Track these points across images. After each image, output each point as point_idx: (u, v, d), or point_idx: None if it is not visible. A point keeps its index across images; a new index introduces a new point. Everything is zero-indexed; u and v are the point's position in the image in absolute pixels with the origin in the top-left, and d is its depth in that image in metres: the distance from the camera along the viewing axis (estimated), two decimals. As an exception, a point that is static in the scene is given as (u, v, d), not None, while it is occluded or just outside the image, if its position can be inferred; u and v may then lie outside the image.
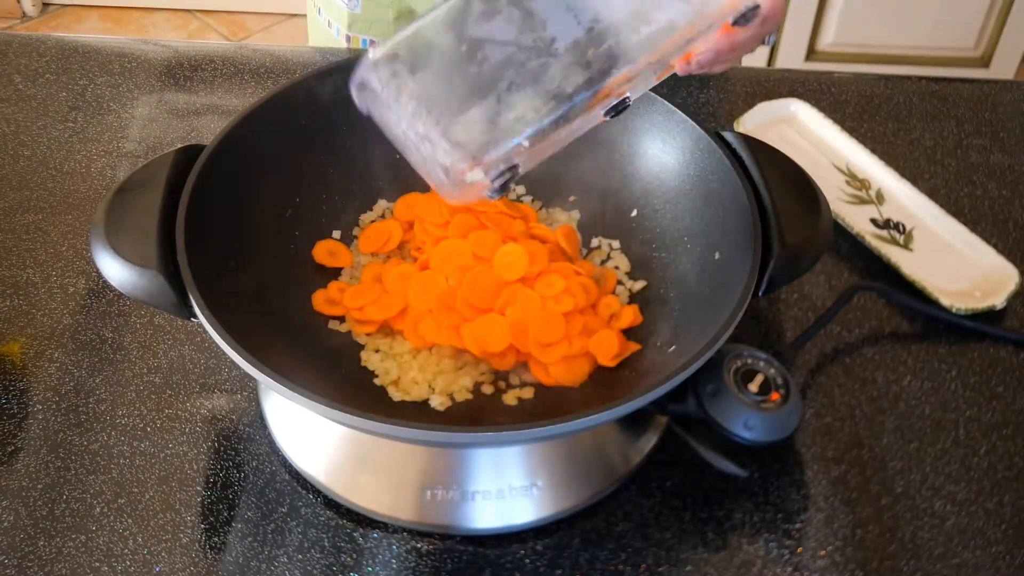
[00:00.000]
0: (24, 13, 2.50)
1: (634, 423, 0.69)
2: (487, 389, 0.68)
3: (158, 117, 0.94)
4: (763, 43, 0.64)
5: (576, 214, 0.78)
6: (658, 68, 0.58)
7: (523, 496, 0.65)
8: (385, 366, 0.69)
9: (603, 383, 0.67)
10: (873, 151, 0.90)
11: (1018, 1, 1.98)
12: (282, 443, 0.69)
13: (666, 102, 0.73)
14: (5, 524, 0.64)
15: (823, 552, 0.65)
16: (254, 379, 0.65)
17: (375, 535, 0.65)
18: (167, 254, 0.61)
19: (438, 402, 0.66)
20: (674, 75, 0.60)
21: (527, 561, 0.64)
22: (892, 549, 0.65)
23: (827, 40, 2.07)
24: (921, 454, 0.70)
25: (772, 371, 0.66)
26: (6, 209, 0.85)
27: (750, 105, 0.94)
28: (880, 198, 0.87)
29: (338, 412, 0.55)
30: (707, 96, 0.98)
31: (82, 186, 0.87)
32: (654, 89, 0.73)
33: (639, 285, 0.73)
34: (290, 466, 0.68)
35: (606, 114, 0.57)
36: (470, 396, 0.67)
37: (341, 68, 0.75)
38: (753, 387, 0.65)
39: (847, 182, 0.89)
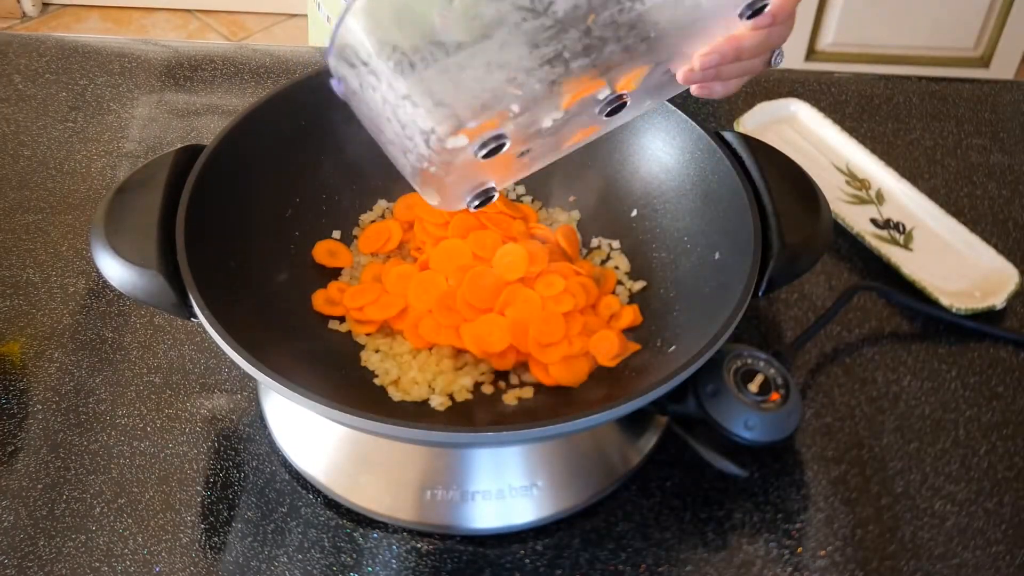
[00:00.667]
0: (24, 13, 2.50)
1: (634, 423, 0.69)
2: (487, 389, 0.68)
3: (158, 117, 0.94)
4: (769, 64, 0.63)
5: (576, 214, 0.78)
6: (659, 59, 0.56)
7: (523, 496, 0.65)
8: (385, 366, 0.69)
9: (603, 383, 0.67)
10: (873, 151, 0.90)
11: (1018, 1, 1.98)
12: (282, 443, 0.69)
13: (666, 102, 0.73)
14: (5, 524, 0.64)
15: (823, 552, 0.65)
16: (254, 379, 0.65)
17: (375, 535, 0.65)
18: (167, 254, 0.61)
19: (438, 402, 0.66)
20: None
21: (527, 561, 0.64)
22: (892, 549, 0.65)
23: (827, 40, 2.07)
24: (921, 454, 0.70)
25: (772, 371, 0.66)
26: (6, 209, 0.85)
27: (750, 105, 0.94)
28: (880, 198, 0.87)
29: (338, 412, 0.55)
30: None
31: (82, 186, 0.87)
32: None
33: (639, 285, 0.73)
34: (290, 466, 0.68)
35: (602, 111, 0.56)
36: (470, 396, 0.67)
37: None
38: (753, 387, 0.65)
39: (847, 182, 0.89)
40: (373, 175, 0.77)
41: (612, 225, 0.76)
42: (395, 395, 0.67)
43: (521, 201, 0.79)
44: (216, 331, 0.58)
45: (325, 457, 0.67)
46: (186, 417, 0.71)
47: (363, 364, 0.69)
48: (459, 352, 0.69)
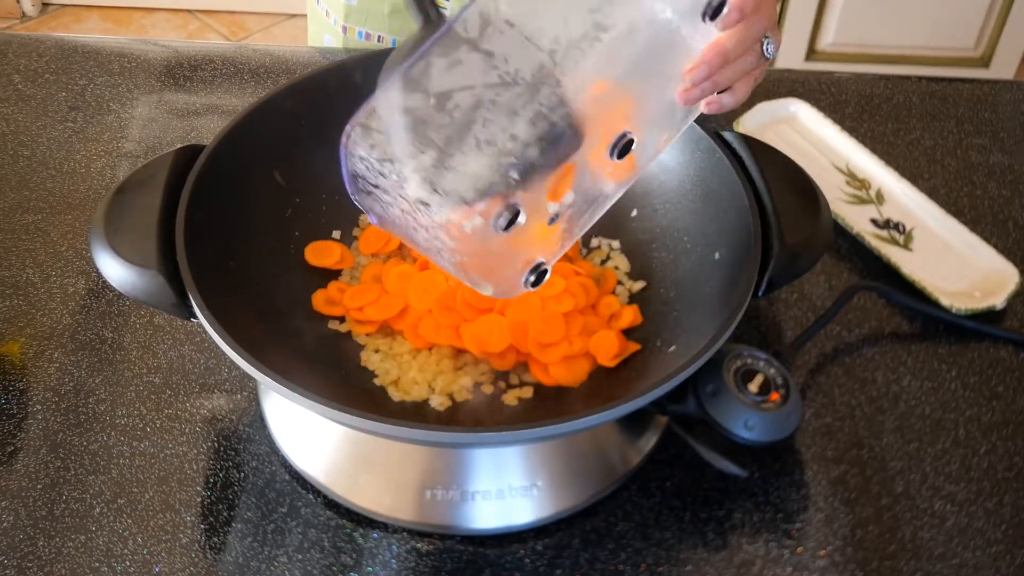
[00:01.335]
0: (24, 13, 2.50)
1: (634, 423, 0.69)
2: (487, 389, 0.68)
3: (158, 117, 0.94)
4: (764, 57, 0.61)
5: (576, 214, 0.78)
6: (644, 88, 0.57)
7: (523, 496, 0.65)
8: (385, 366, 0.69)
9: (603, 383, 0.67)
10: (873, 151, 0.90)
11: (1018, 1, 1.98)
12: (282, 443, 0.69)
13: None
14: (5, 524, 0.64)
15: (823, 552, 0.65)
16: (254, 379, 0.65)
17: (375, 535, 0.65)
18: (167, 254, 0.61)
19: (438, 402, 0.66)
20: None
21: (527, 561, 0.64)
22: (892, 549, 0.65)
23: (827, 40, 2.07)
24: (921, 454, 0.70)
25: (772, 371, 0.66)
26: (6, 209, 0.85)
27: (750, 105, 0.94)
28: (880, 198, 0.87)
29: (338, 412, 0.55)
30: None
31: (82, 186, 0.87)
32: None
33: (639, 285, 0.73)
34: (290, 466, 0.68)
35: (612, 153, 0.56)
36: (470, 396, 0.67)
37: (341, 68, 0.75)
38: (753, 387, 0.65)
39: (847, 182, 0.89)
40: (373, 175, 0.77)
41: (612, 225, 0.76)
42: (395, 395, 0.67)
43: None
44: (216, 331, 0.58)
45: (325, 457, 0.67)
46: (186, 417, 0.71)
47: (363, 364, 0.69)
48: (459, 352, 0.69)
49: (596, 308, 0.71)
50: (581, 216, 0.60)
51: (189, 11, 2.54)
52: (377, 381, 0.68)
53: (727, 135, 0.71)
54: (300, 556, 0.63)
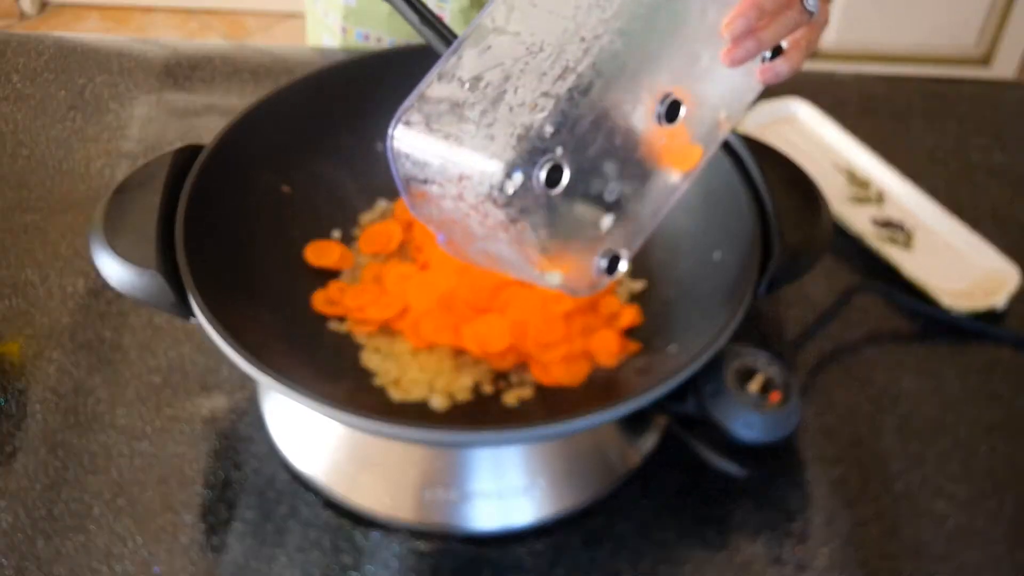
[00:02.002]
0: (23, 12, 2.50)
1: (634, 423, 0.69)
2: (487, 389, 0.68)
3: (157, 117, 0.94)
4: (806, 10, 0.58)
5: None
6: (672, 43, 0.55)
7: (523, 496, 0.65)
8: (385, 366, 0.69)
9: (603, 383, 0.67)
10: (874, 151, 0.90)
11: (1019, 1, 1.99)
12: (282, 443, 0.68)
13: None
14: (4, 525, 0.64)
15: (823, 552, 0.65)
16: (254, 379, 0.65)
17: (375, 535, 0.65)
18: (166, 254, 0.61)
19: (438, 402, 0.66)
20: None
21: (527, 561, 0.64)
22: (892, 549, 0.65)
23: (828, 40, 2.07)
24: (921, 454, 0.70)
25: (772, 371, 0.66)
26: (5, 209, 0.85)
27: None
28: (880, 198, 0.87)
29: (338, 412, 0.55)
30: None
31: (81, 186, 0.87)
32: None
33: (639, 285, 0.73)
34: (290, 466, 0.68)
35: (660, 119, 0.55)
36: (470, 396, 0.67)
37: (341, 68, 0.75)
38: (753, 387, 0.65)
39: (847, 182, 0.89)
40: (373, 175, 0.77)
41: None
42: (395, 395, 0.67)
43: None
44: (216, 331, 0.58)
45: (325, 457, 0.67)
46: (186, 417, 0.71)
47: (363, 364, 0.69)
48: (459, 352, 0.69)
49: (596, 308, 0.71)
50: (645, 198, 0.58)
51: (189, 11, 2.54)
52: (377, 381, 0.68)
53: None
54: (300, 556, 0.63)
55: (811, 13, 0.58)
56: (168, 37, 2.48)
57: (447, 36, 0.60)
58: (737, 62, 0.56)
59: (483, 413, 0.66)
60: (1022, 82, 1.02)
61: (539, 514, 0.65)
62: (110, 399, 0.71)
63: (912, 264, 0.81)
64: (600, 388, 0.67)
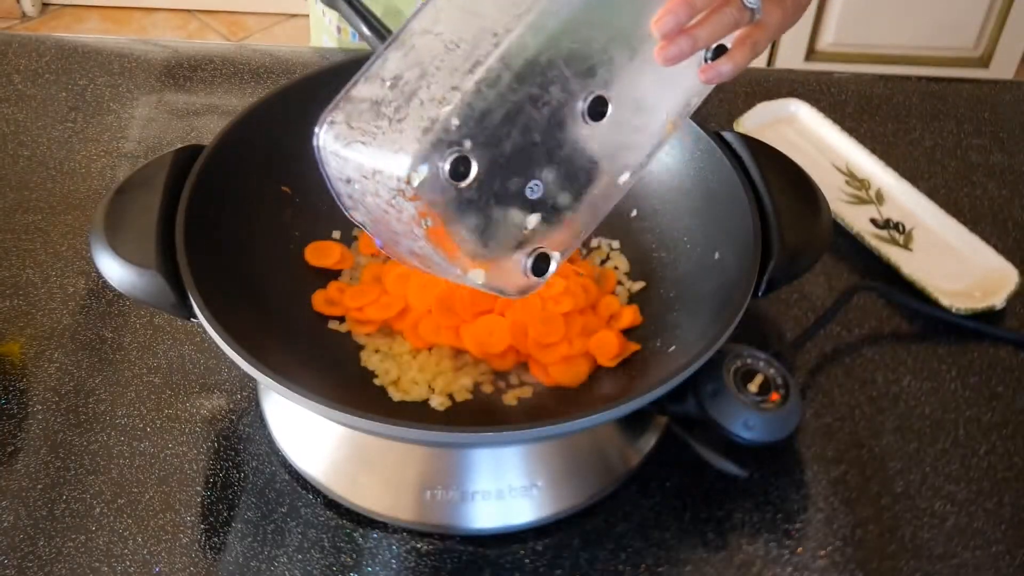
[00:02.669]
0: (24, 13, 2.50)
1: (634, 423, 0.69)
2: (487, 389, 0.68)
3: (158, 117, 0.94)
4: (745, 7, 0.56)
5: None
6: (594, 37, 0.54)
7: (523, 496, 0.65)
8: (385, 366, 0.69)
9: (603, 383, 0.67)
10: (873, 151, 0.90)
11: (1018, 1, 1.99)
12: (282, 443, 0.69)
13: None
14: (5, 524, 0.64)
15: (823, 552, 0.65)
16: (254, 379, 0.65)
17: (375, 535, 0.65)
18: (167, 254, 0.61)
19: (438, 402, 0.66)
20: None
21: (527, 561, 0.64)
22: (892, 549, 0.65)
23: (827, 40, 2.07)
24: (921, 454, 0.70)
25: (772, 371, 0.66)
26: (6, 209, 0.85)
27: (750, 105, 0.94)
28: (880, 198, 0.87)
29: (338, 412, 0.55)
30: (707, 96, 0.98)
31: (82, 186, 0.87)
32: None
33: (639, 285, 0.73)
34: (290, 466, 0.68)
35: (584, 116, 0.55)
36: (470, 396, 0.67)
37: (341, 69, 0.75)
38: (753, 387, 0.65)
39: (847, 182, 0.89)
40: (373, 175, 0.77)
41: (612, 225, 0.76)
42: (395, 395, 0.67)
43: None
44: (216, 331, 0.58)
45: (325, 457, 0.67)
46: (186, 417, 0.71)
47: (363, 364, 0.69)
48: (459, 352, 0.69)
49: (596, 308, 0.71)
50: (578, 198, 0.58)
51: (189, 11, 2.54)
52: (377, 381, 0.68)
53: (727, 135, 0.71)
54: (300, 556, 0.63)
55: (752, 11, 0.57)
56: (168, 38, 2.48)
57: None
58: (670, 60, 0.55)
59: (483, 413, 0.66)
60: (1021, 82, 1.02)
61: (539, 514, 0.65)
62: (111, 399, 0.71)
63: (911, 264, 0.81)
64: (600, 388, 0.67)
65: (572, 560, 0.64)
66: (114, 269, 0.61)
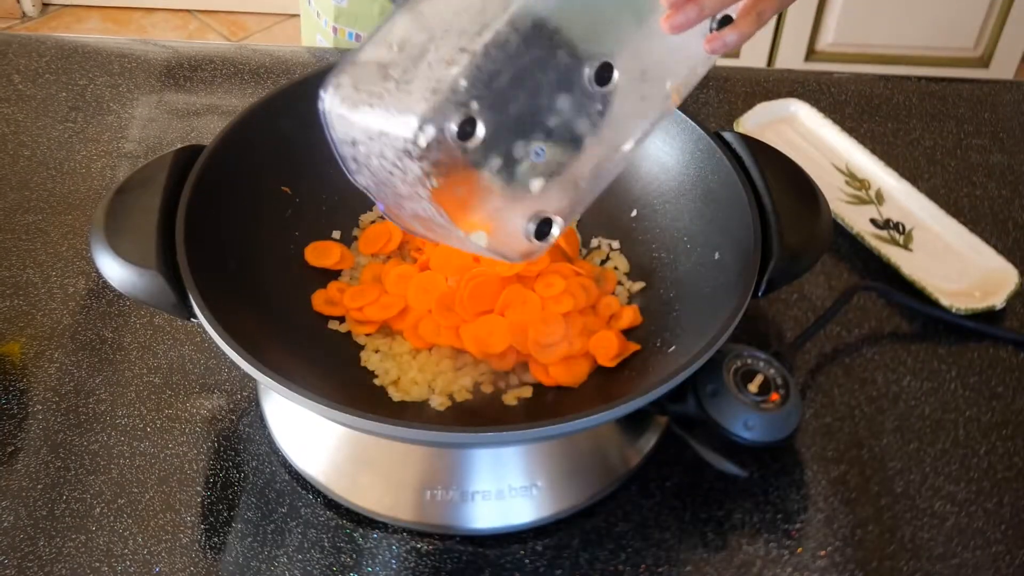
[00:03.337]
0: (24, 13, 2.50)
1: (634, 423, 0.69)
2: (487, 389, 0.68)
3: (158, 117, 0.94)
4: None
5: (576, 214, 0.78)
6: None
7: (523, 496, 0.65)
8: (385, 366, 0.69)
9: (603, 383, 0.67)
10: (873, 151, 0.90)
11: (1018, 1, 1.99)
12: (282, 443, 0.69)
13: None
14: (5, 524, 0.64)
15: (823, 552, 0.65)
16: (254, 379, 0.65)
17: (375, 535, 0.65)
18: (167, 254, 0.61)
19: (438, 402, 0.66)
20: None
21: (527, 561, 0.64)
22: (892, 549, 0.65)
23: (827, 40, 2.07)
24: (921, 454, 0.70)
25: (772, 371, 0.66)
26: (6, 209, 0.85)
27: (750, 105, 0.94)
28: (880, 198, 0.87)
29: (338, 412, 0.55)
30: (707, 96, 0.98)
31: (82, 186, 0.87)
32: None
33: (638, 286, 0.73)
34: (290, 466, 0.68)
35: (590, 81, 0.55)
36: (470, 396, 0.67)
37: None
38: (753, 387, 0.65)
39: (847, 182, 0.89)
40: (373, 175, 0.77)
41: (612, 225, 0.76)
42: (395, 395, 0.67)
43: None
44: (216, 331, 0.58)
45: (325, 457, 0.67)
46: (186, 417, 0.71)
47: (363, 364, 0.69)
48: (459, 352, 0.69)
49: (596, 308, 0.71)
50: (583, 163, 0.57)
51: (189, 11, 2.54)
52: (377, 381, 0.68)
53: (727, 135, 0.71)
54: (300, 556, 0.63)
55: None
56: (168, 38, 2.48)
57: None
58: (677, 28, 0.55)
59: (483, 413, 0.66)
60: (1021, 82, 1.02)
61: (539, 514, 0.65)
62: (111, 399, 0.72)
63: (911, 264, 0.81)
64: (600, 388, 0.67)
65: (572, 560, 0.64)
66: (114, 269, 0.61)
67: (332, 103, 0.53)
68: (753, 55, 2.09)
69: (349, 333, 0.71)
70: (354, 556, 0.64)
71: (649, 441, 0.69)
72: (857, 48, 2.08)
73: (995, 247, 0.83)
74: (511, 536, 0.65)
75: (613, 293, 0.73)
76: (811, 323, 0.76)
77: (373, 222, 0.77)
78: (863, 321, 0.79)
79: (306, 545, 0.64)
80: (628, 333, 0.70)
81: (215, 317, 0.58)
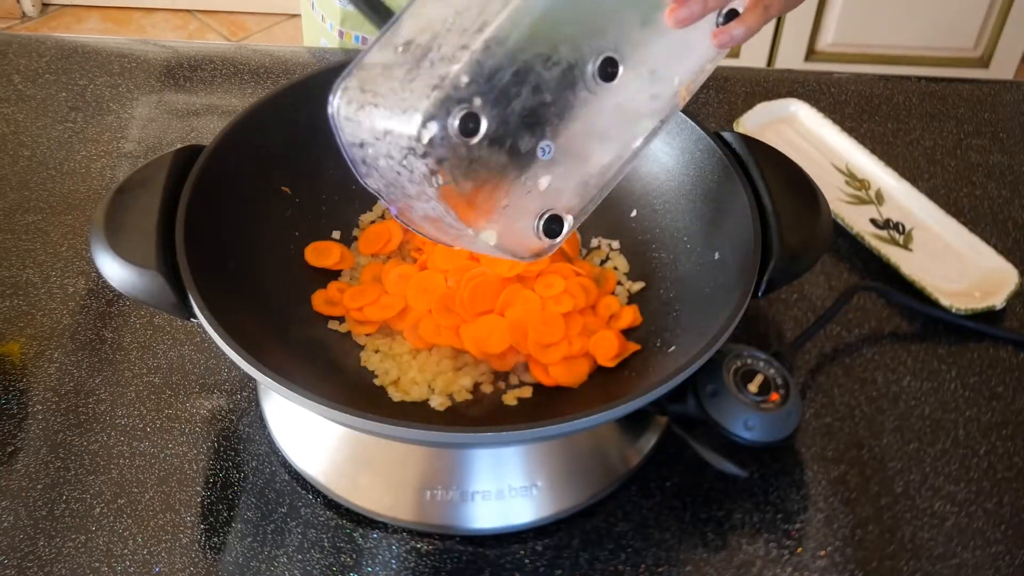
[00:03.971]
0: (24, 13, 2.50)
1: (634, 423, 0.69)
2: (487, 389, 0.68)
3: (158, 117, 0.94)
4: None
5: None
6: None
7: (523, 496, 0.65)
8: (385, 366, 0.69)
9: (603, 383, 0.67)
10: (873, 151, 0.90)
11: (1018, 1, 1.99)
12: (282, 443, 0.69)
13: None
14: (5, 524, 0.64)
15: (823, 552, 0.65)
16: (254, 379, 0.65)
17: (375, 535, 0.65)
18: (167, 254, 0.61)
19: (438, 402, 0.66)
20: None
21: (527, 561, 0.64)
22: (892, 549, 0.65)
23: (827, 40, 2.07)
24: (921, 454, 0.70)
25: (772, 371, 0.66)
26: (6, 209, 0.85)
27: (750, 105, 0.94)
28: (880, 198, 0.87)
29: (338, 412, 0.55)
30: (707, 96, 0.98)
31: (82, 186, 0.87)
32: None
33: (638, 286, 0.73)
34: (290, 466, 0.68)
35: (595, 77, 0.55)
36: (470, 396, 0.67)
37: (341, 68, 0.75)
38: (753, 387, 0.65)
39: (847, 182, 0.89)
40: (373, 175, 0.77)
41: (611, 225, 0.76)
42: (395, 395, 0.67)
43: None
44: (216, 331, 0.58)
45: (325, 457, 0.67)
46: (186, 417, 0.71)
47: (363, 364, 0.69)
48: (459, 352, 0.69)
49: (596, 308, 0.71)
50: (591, 160, 0.58)
51: (189, 11, 2.54)
52: (377, 381, 0.68)
53: (727, 135, 0.71)
54: (300, 556, 0.63)
55: None
56: (168, 38, 2.48)
57: None
58: (681, 22, 0.55)
59: (483, 413, 0.66)
60: (1021, 82, 1.02)
61: (539, 514, 0.65)
62: (110, 399, 0.72)
63: (911, 264, 0.81)
64: (600, 388, 0.67)
65: (572, 560, 0.64)
66: (114, 269, 0.61)
67: (339, 106, 0.54)
68: (753, 55, 2.09)
69: (349, 333, 0.71)
70: (354, 556, 0.64)
71: (649, 441, 0.69)
72: (857, 48, 2.08)
73: (995, 247, 0.83)
74: (511, 536, 0.65)
75: (613, 293, 0.73)
76: (811, 323, 0.76)
77: (373, 222, 0.77)
78: (863, 321, 0.79)
79: (306, 545, 0.64)
80: (628, 333, 0.70)
81: (215, 317, 0.58)
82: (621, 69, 0.56)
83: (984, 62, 2.10)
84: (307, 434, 0.68)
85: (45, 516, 0.65)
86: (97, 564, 0.63)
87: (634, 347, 0.69)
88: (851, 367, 0.76)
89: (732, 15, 0.59)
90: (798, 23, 2.04)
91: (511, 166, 0.54)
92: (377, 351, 0.70)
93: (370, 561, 0.64)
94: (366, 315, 0.70)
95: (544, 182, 0.56)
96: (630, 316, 0.70)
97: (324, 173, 0.75)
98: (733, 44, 0.58)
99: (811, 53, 2.09)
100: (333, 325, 0.71)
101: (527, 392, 0.68)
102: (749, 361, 0.66)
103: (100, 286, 0.79)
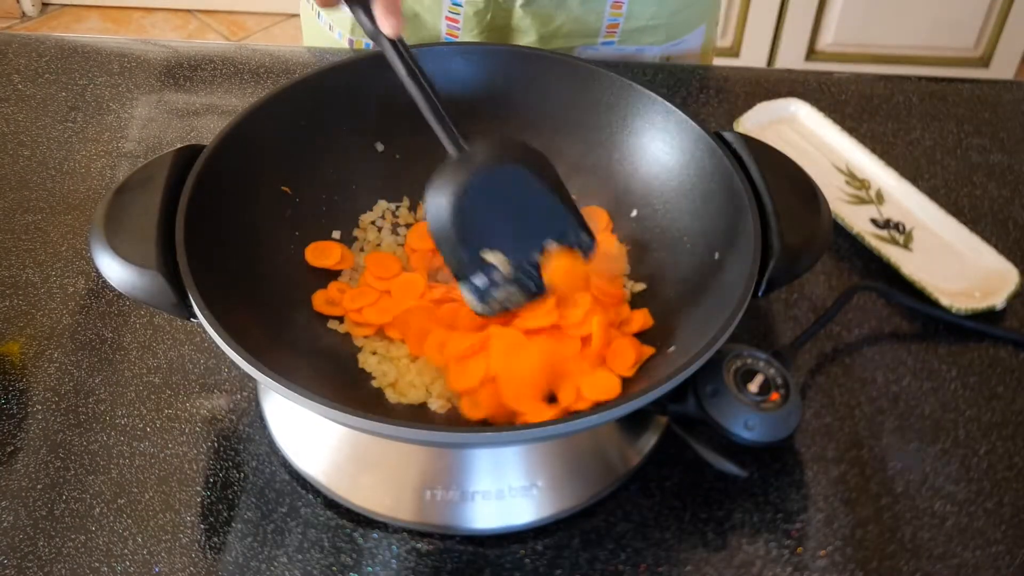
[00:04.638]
0: (24, 13, 2.50)
1: (634, 423, 0.69)
2: (487, 389, 0.68)
3: (158, 117, 0.94)
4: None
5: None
6: None
7: (523, 496, 0.65)
8: (382, 368, 0.68)
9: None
10: (873, 151, 0.90)
11: (1018, 1, 1.99)
12: (282, 443, 0.69)
13: (666, 102, 0.73)
14: (5, 524, 0.64)
15: (823, 552, 0.65)
16: (254, 379, 0.65)
17: (375, 535, 0.65)
18: (167, 254, 0.61)
19: (437, 405, 0.66)
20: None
21: (527, 561, 0.64)
22: (892, 549, 0.65)
23: (827, 40, 2.07)
24: (921, 454, 0.70)
25: (772, 371, 0.66)
26: (6, 209, 0.85)
27: (750, 105, 0.94)
28: (880, 198, 0.87)
29: (338, 412, 0.55)
30: (707, 96, 0.98)
31: (82, 186, 0.87)
32: (652, 88, 0.73)
33: (639, 287, 0.73)
34: (290, 466, 0.68)
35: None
36: (470, 396, 0.67)
37: (341, 68, 0.75)
38: (753, 387, 0.65)
39: (847, 182, 0.89)
40: (373, 175, 0.77)
41: (611, 225, 0.76)
42: (392, 397, 0.67)
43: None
44: (216, 331, 0.58)
45: (325, 457, 0.67)
46: (186, 417, 0.71)
47: (361, 366, 0.69)
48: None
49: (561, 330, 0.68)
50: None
51: (189, 11, 2.54)
52: (375, 383, 0.68)
53: (727, 135, 0.70)
54: (300, 556, 0.63)
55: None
56: (168, 38, 2.48)
57: (430, 92, 0.65)
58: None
59: (483, 413, 0.66)
60: (1021, 82, 1.02)
61: (539, 514, 0.65)
62: (110, 399, 0.71)
63: (911, 264, 0.81)
64: (600, 388, 0.67)
65: (572, 560, 0.64)
66: (114, 269, 0.61)
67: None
68: (753, 55, 2.10)
69: (349, 333, 0.71)
70: (354, 556, 0.64)
71: (649, 441, 0.69)
72: (857, 48, 2.08)
73: (995, 247, 0.83)
74: (511, 536, 0.65)
75: (624, 301, 0.72)
76: (811, 323, 0.76)
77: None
78: (863, 321, 0.79)
79: (306, 545, 0.64)
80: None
81: (215, 317, 0.58)
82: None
83: (984, 62, 2.10)
84: (307, 434, 0.68)
85: (45, 516, 0.65)
86: (97, 564, 0.63)
87: (649, 351, 0.66)
88: (851, 367, 0.76)
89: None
90: (798, 23, 2.04)
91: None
92: (375, 353, 0.69)
93: (370, 561, 0.64)
94: (364, 317, 0.70)
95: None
96: (640, 320, 0.69)
97: (324, 173, 0.75)
98: None
99: (811, 53, 2.09)
100: (333, 325, 0.71)
101: (527, 392, 0.67)
102: (749, 361, 0.66)
103: (100, 286, 0.79)
